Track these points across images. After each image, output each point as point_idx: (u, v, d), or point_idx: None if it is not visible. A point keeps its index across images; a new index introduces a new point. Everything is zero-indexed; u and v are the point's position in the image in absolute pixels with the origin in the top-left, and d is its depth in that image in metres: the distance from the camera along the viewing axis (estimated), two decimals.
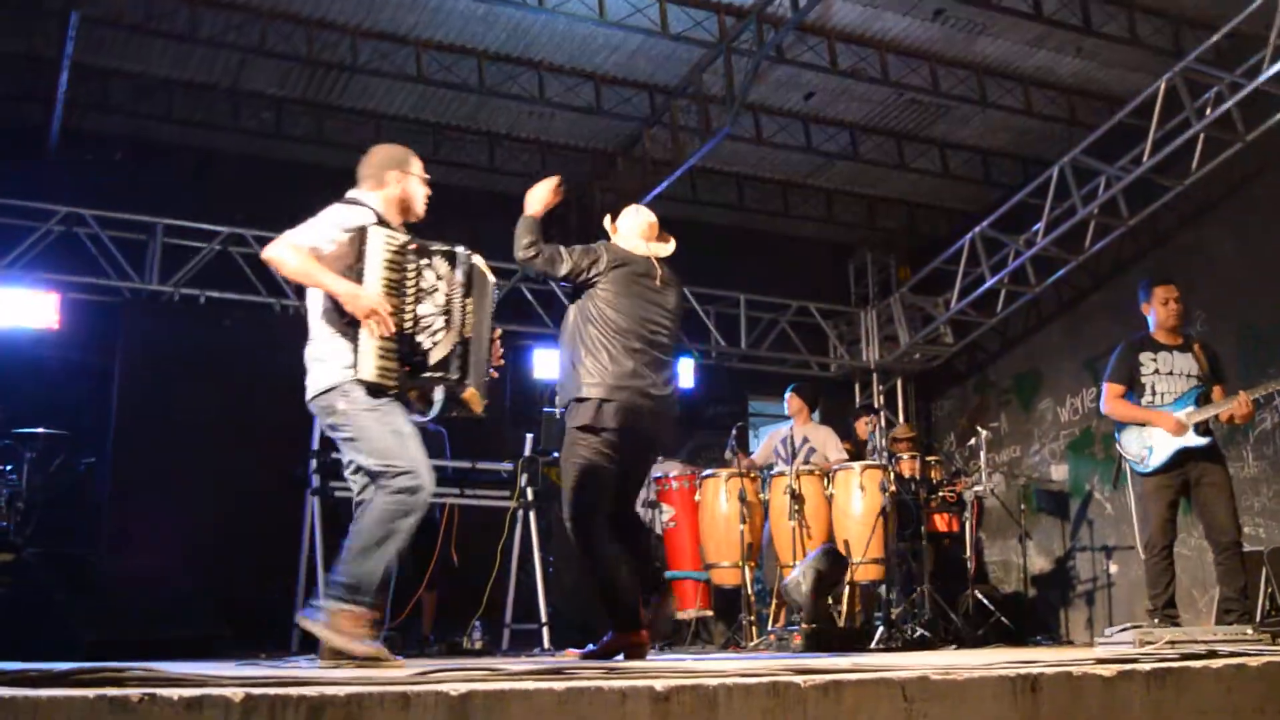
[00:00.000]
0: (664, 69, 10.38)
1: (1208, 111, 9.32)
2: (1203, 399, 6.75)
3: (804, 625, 7.25)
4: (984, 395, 12.89)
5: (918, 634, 8.24)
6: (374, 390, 4.37)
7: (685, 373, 11.73)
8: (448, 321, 4.49)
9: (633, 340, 5.55)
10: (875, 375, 13.15)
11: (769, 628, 8.10)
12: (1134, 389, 6.93)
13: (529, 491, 8.41)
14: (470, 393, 4.58)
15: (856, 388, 13.33)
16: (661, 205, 11.13)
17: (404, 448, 4.36)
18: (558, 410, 5.49)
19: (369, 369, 4.35)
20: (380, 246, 4.44)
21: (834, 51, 10.04)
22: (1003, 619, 8.80)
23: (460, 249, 4.61)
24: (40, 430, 8.30)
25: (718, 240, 12.29)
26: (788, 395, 9.66)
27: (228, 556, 8.73)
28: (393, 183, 4.76)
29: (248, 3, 9.27)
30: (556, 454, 9.27)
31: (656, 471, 9.55)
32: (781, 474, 8.55)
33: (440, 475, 8.05)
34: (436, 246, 4.57)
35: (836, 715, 2.90)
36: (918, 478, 9.09)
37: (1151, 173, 9.91)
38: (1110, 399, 7.01)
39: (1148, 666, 3.43)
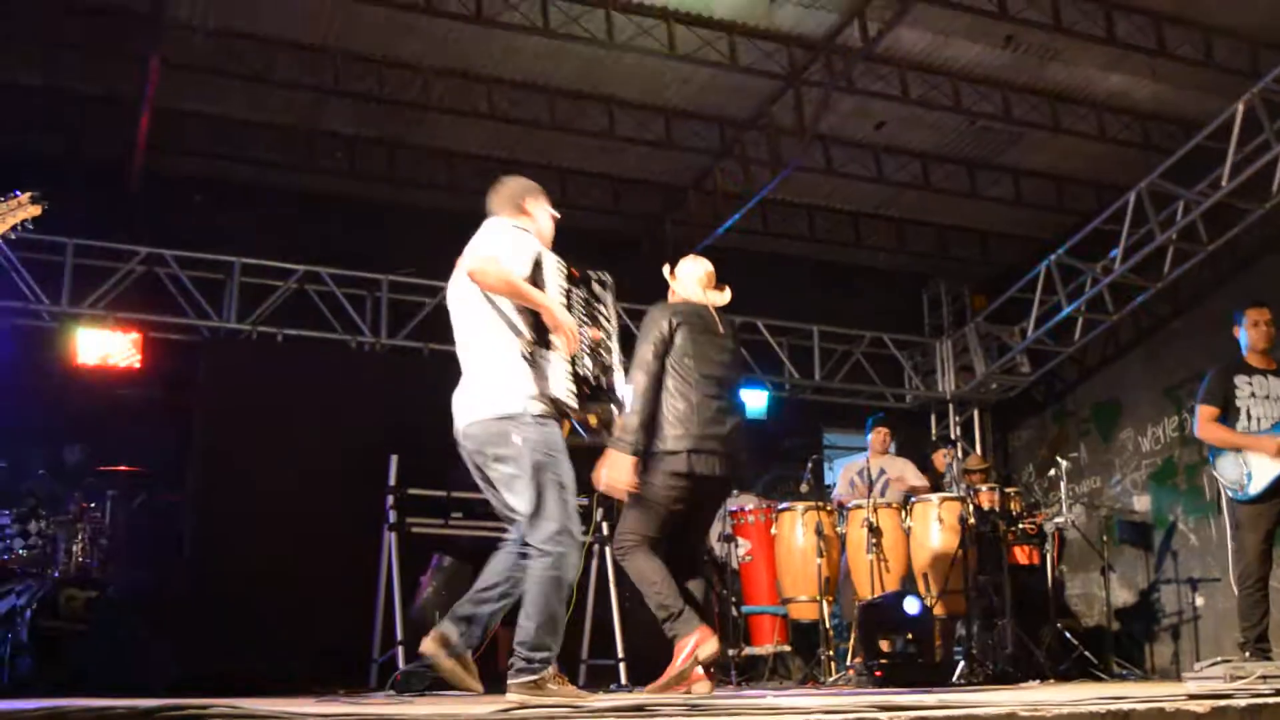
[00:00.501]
0: (734, 101, 10.39)
1: None
2: None
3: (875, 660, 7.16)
4: (1062, 425, 12.71)
5: (999, 668, 8.10)
6: (549, 417, 4.38)
7: (758, 404, 11.68)
8: (606, 343, 4.63)
9: (710, 387, 5.62)
10: (951, 406, 13.02)
11: (847, 662, 8.00)
12: (1228, 413, 6.80)
13: (604, 526, 8.38)
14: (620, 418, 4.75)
15: (932, 419, 13.20)
16: (733, 238, 11.16)
17: (563, 505, 4.34)
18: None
19: (561, 388, 4.36)
20: (554, 270, 4.54)
21: (905, 80, 9.99)
22: (1086, 653, 8.62)
23: (607, 275, 4.76)
24: (123, 468, 8.40)
25: (790, 272, 12.25)
26: (875, 427, 9.60)
27: (306, 593, 8.77)
28: (535, 211, 4.87)
29: (322, 44, 9.42)
30: None
31: (732, 505, 9.50)
32: (859, 507, 8.47)
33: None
34: (589, 273, 4.72)
35: None
36: (997, 509, 8.95)
37: (1231, 196, 9.74)
38: (1204, 422, 6.87)
39: (1243, 703, 3.34)
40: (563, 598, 4.28)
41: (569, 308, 4.49)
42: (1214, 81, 9.93)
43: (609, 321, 4.66)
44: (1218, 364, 7.08)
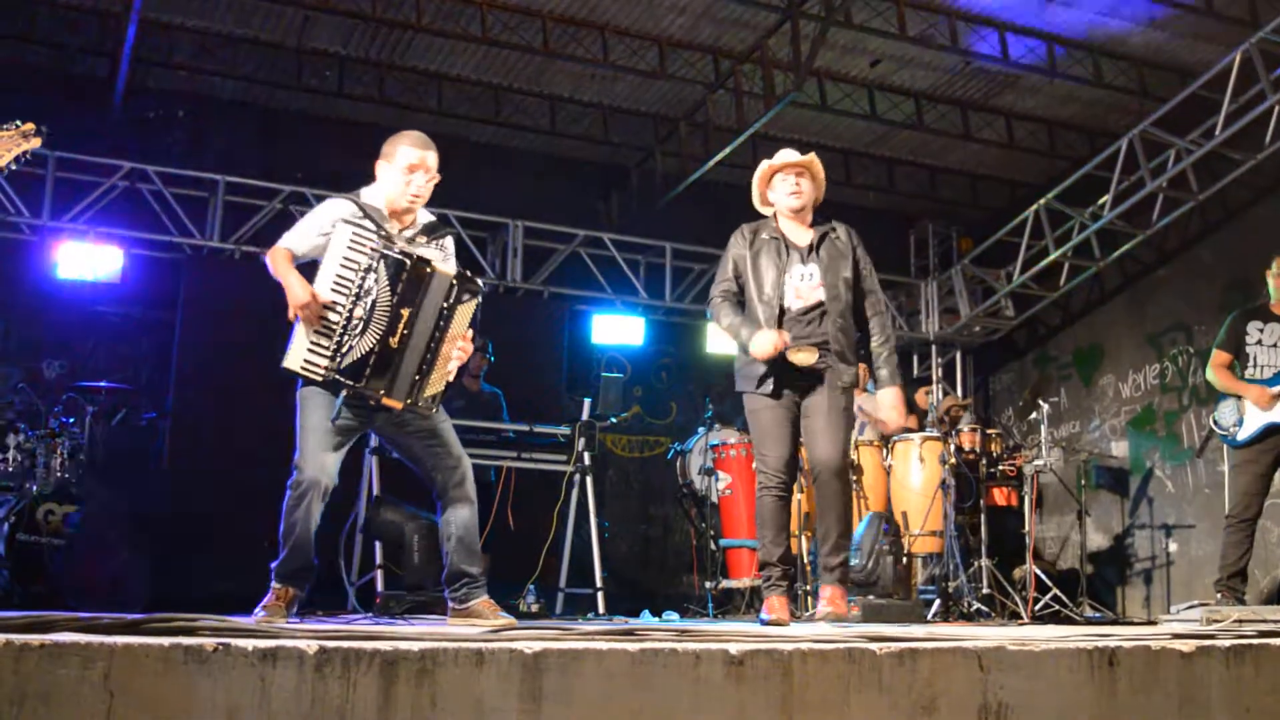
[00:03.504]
0: (729, 33, 10.27)
1: None
2: None
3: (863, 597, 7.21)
4: (1044, 369, 12.74)
5: (974, 608, 8.18)
6: (306, 379, 4.65)
7: None
8: (364, 327, 4.57)
9: None
10: (934, 347, 13.03)
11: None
12: (1239, 359, 6.94)
13: (585, 456, 8.38)
14: (389, 400, 4.65)
15: (915, 359, 13.21)
16: (723, 171, 11.08)
17: (303, 443, 4.67)
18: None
19: (292, 359, 4.62)
20: (342, 242, 4.63)
21: (903, 17, 9.88)
22: (1059, 594, 8.70)
23: (413, 255, 4.64)
24: (103, 384, 8.36)
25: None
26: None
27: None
28: (380, 175, 4.89)
29: None
30: (614, 418, 9.34)
31: (714, 439, 9.52)
32: None
33: (497, 438, 8.16)
34: (393, 250, 4.62)
35: (912, 683, 2.87)
36: (977, 450, 8.99)
37: (1223, 146, 9.71)
38: (1215, 366, 7.09)
39: (1226, 643, 3.37)
40: (287, 527, 4.68)
41: (351, 281, 4.57)
42: (1213, 30, 9.86)
43: (391, 305, 4.58)
44: (1209, 313, 7.16)
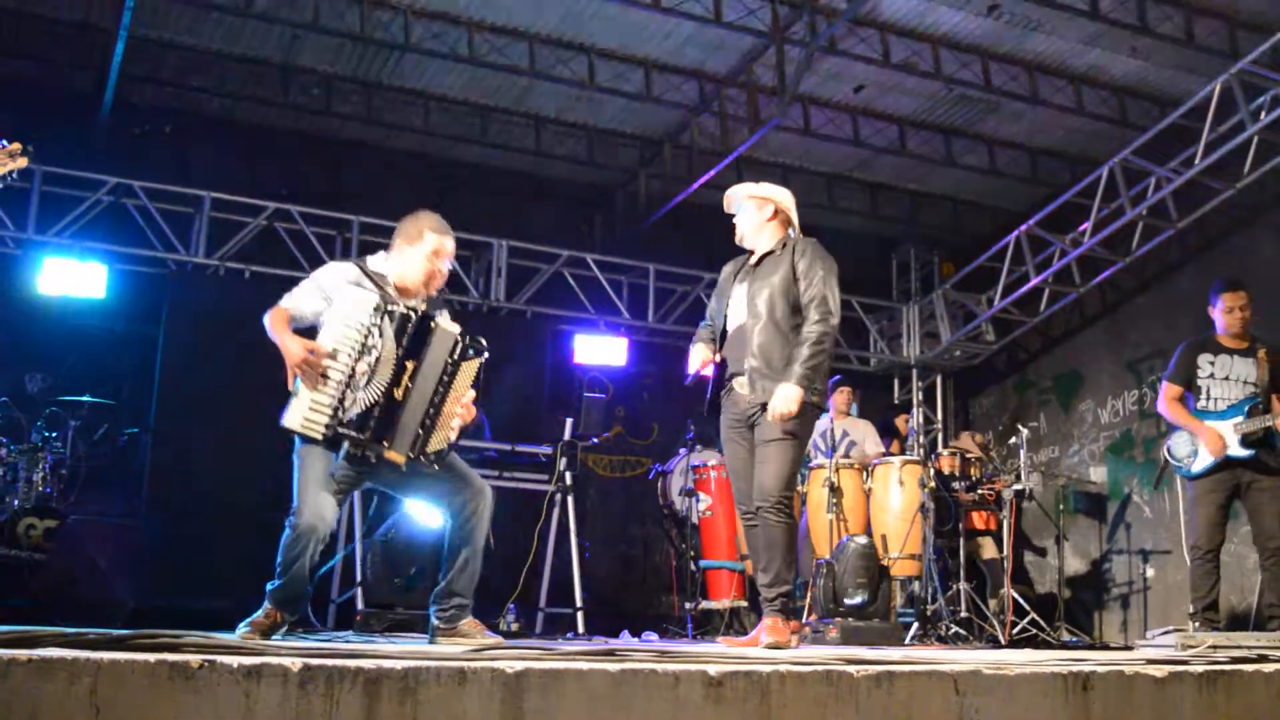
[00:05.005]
0: (715, 57, 10.35)
1: (1262, 115, 9.21)
2: (1256, 409, 6.71)
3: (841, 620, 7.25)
4: (1024, 394, 12.82)
5: (952, 631, 8.22)
6: (305, 440, 4.67)
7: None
8: (369, 380, 4.61)
9: None
10: (915, 371, 13.09)
11: (804, 619, 8.08)
12: (1191, 391, 6.93)
13: (567, 476, 8.41)
14: (392, 454, 4.67)
15: (895, 383, 13.28)
16: (706, 194, 11.13)
17: (301, 494, 4.63)
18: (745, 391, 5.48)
19: (292, 418, 4.65)
20: (346, 302, 4.70)
21: (886, 44, 9.98)
22: (1036, 619, 8.76)
23: (419, 310, 4.73)
24: (85, 399, 8.36)
25: None
26: (839, 387, 9.64)
27: (265, 531, 8.75)
28: (399, 251, 4.93)
29: None
30: (596, 438, 9.37)
31: (695, 460, 9.56)
32: (820, 466, 8.53)
33: (479, 458, 8.18)
34: (396, 307, 4.69)
35: (888, 705, 2.90)
36: (957, 474, 9.05)
37: (1202, 175, 9.80)
38: (1165, 399, 7.03)
39: (1199, 668, 3.41)
40: (287, 560, 4.63)
41: (355, 340, 4.61)
42: (1193, 60, 9.98)
43: (396, 358, 4.64)
44: (1187, 339, 7.17)
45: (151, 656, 2.37)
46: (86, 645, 2.51)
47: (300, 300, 4.81)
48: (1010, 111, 11.06)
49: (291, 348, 4.62)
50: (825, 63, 10.21)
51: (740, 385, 5.44)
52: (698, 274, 11.60)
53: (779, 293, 5.42)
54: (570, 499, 8.48)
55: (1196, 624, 6.61)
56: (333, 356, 4.61)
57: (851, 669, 2.90)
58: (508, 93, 10.84)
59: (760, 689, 2.78)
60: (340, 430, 4.59)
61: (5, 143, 4.49)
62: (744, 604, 9.21)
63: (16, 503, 7.38)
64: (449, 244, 4.93)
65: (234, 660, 2.40)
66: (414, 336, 4.66)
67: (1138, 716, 3.26)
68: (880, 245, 13.49)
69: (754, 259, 5.63)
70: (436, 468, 4.78)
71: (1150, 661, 3.53)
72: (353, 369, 4.60)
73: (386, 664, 2.50)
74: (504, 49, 9.97)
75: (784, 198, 5.67)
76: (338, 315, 4.68)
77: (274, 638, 4.61)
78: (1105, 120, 10.92)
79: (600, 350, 11.55)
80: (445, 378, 4.74)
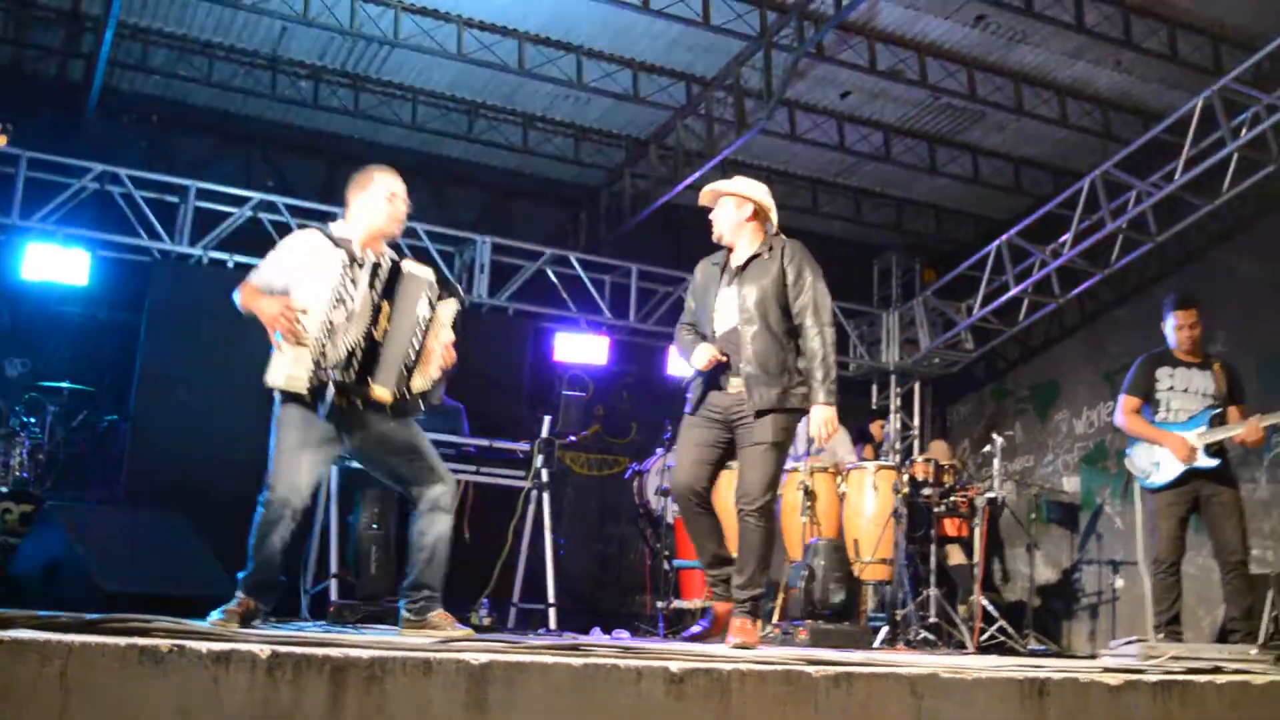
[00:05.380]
0: (702, 60, 10.40)
1: (1243, 132, 9.31)
2: (1217, 420, 6.78)
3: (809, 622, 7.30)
4: (1000, 403, 12.91)
5: (921, 636, 8.29)
6: (285, 396, 4.76)
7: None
8: (348, 322, 4.70)
9: None
10: (894, 377, 13.17)
11: (773, 621, 8.13)
12: (1150, 404, 6.98)
13: (544, 473, 8.44)
14: (378, 392, 4.77)
15: (874, 389, 13.35)
16: (691, 196, 11.15)
17: (277, 464, 4.75)
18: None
19: (274, 375, 4.75)
20: (315, 262, 4.80)
21: (874, 51, 10.04)
22: (1005, 626, 8.82)
23: (383, 259, 4.86)
24: (65, 385, 8.38)
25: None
26: None
27: (241, 520, 8.77)
28: (357, 204, 5.02)
29: None
30: (573, 437, 9.41)
31: (671, 460, 9.59)
32: (795, 469, 8.58)
33: (456, 453, 8.21)
34: (365, 257, 4.81)
35: (846, 706, 2.96)
36: (930, 481, 9.11)
37: (1183, 190, 9.90)
38: (1124, 412, 7.08)
39: (1154, 678, 3.48)
40: (258, 542, 4.80)
41: (330, 294, 4.71)
42: (1177, 76, 10.08)
43: (372, 300, 4.76)
44: (1144, 352, 7.24)
45: (122, 640, 2.41)
46: (58, 628, 2.56)
47: (268, 273, 4.89)
48: (995, 121, 11.13)
49: (267, 306, 4.71)
50: (813, 68, 10.28)
51: (733, 386, 5.46)
52: (680, 275, 11.64)
53: (771, 297, 5.42)
54: (546, 496, 8.49)
55: (1160, 636, 6.67)
56: (308, 312, 4.70)
57: (811, 669, 2.96)
58: (495, 90, 10.87)
59: (721, 687, 2.84)
60: (324, 375, 4.66)
61: None
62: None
63: None
64: (400, 184, 5.06)
65: (203, 645, 2.45)
66: (386, 282, 4.80)
67: None
68: (862, 251, 13.57)
69: (739, 261, 5.59)
70: (422, 408, 4.93)
71: (1107, 670, 3.60)
72: (330, 320, 4.69)
73: (353, 653, 2.55)
74: (493, 46, 9.99)
75: (763, 196, 5.66)
76: (309, 277, 4.76)
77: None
78: (1088, 133, 11.01)
79: (581, 349, 11.60)
80: (423, 319, 4.89)
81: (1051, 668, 3.61)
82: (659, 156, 11.70)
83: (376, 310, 4.74)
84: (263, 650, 2.47)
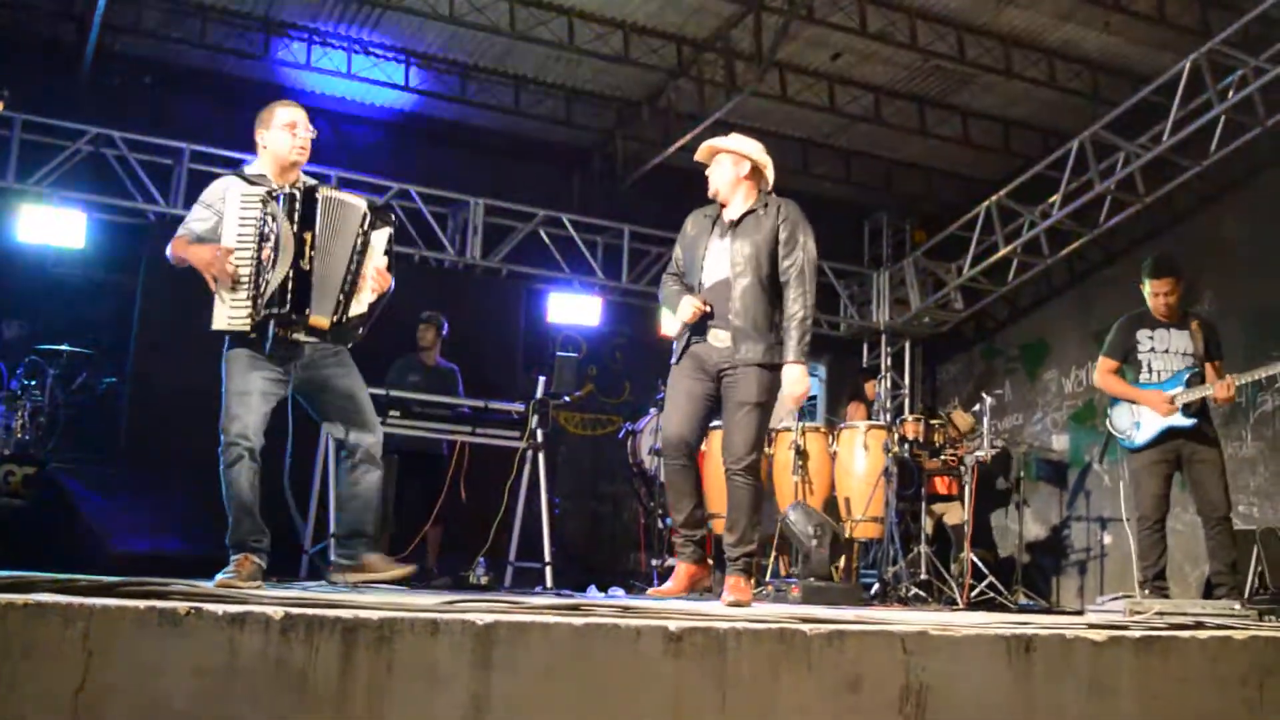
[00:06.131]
0: (694, 21, 10.42)
1: (1230, 94, 9.36)
2: (1195, 379, 6.88)
3: (808, 579, 7.41)
4: (990, 362, 13.01)
5: (912, 593, 8.41)
6: (232, 340, 4.95)
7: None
8: (274, 255, 4.85)
9: None
10: (884, 337, 13.25)
11: (767, 578, 8.26)
12: (1130, 365, 7.08)
13: (539, 433, 8.52)
14: (315, 319, 4.97)
15: (865, 348, 13.43)
16: (682, 157, 11.22)
17: (227, 407, 5.00)
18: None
19: (218, 320, 4.93)
20: (234, 205, 4.94)
21: (864, 13, 10.08)
22: (995, 582, 8.95)
23: (297, 188, 4.98)
24: (64, 348, 8.44)
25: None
26: None
27: None
28: (259, 142, 5.19)
29: None
30: (568, 396, 9.50)
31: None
32: (787, 429, 8.68)
33: (452, 413, 8.30)
34: (280, 190, 4.95)
35: (839, 663, 3.05)
36: (921, 440, 9.22)
37: (1170, 152, 9.96)
38: (1102, 373, 7.18)
39: (1137, 634, 3.57)
40: (227, 496, 5.02)
41: (254, 232, 4.88)
42: (1165, 38, 10.12)
43: (294, 231, 4.89)
44: (1123, 314, 7.32)
45: (141, 603, 2.49)
46: (79, 591, 2.64)
47: (193, 223, 5.04)
48: (984, 83, 11.17)
49: (199, 254, 4.90)
50: (803, 30, 10.29)
51: (718, 339, 5.52)
52: (672, 235, 11.44)
53: (764, 253, 5.46)
54: (541, 456, 8.59)
55: (1146, 592, 6.79)
56: (237, 252, 4.87)
57: (805, 628, 3.05)
58: (488, 51, 10.88)
59: (718, 644, 2.93)
60: (263, 312, 4.84)
61: None
62: (709, 562, 9.35)
63: None
64: (300, 114, 5.21)
65: (219, 608, 2.53)
66: (303, 210, 4.92)
67: (1076, 677, 3.43)
68: (853, 211, 13.62)
69: (733, 215, 5.62)
70: (361, 333, 5.16)
71: (1091, 626, 3.70)
72: (258, 257, 4.85)
73: (363, 614, 2.63)
74: (484, 8, 9.99)
75: (760, 154, 5.69)
76: (231, 219, 4.93)
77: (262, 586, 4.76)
78: (1077, 94, 11.05)
79: (574, 309, 11.67)
80: (357, 245, 5.07)
81: (1038, 624, 3.71)
82: (651, 118, 11.73)
83: (300, 241, 4.88)
84: (276, 612, 2.55)
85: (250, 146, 5.12)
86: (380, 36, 10.70)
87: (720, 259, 5.56)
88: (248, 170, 5.18)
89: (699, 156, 5.78)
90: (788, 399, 5.46)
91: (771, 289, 5.47)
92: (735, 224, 5.58)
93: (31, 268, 9.75)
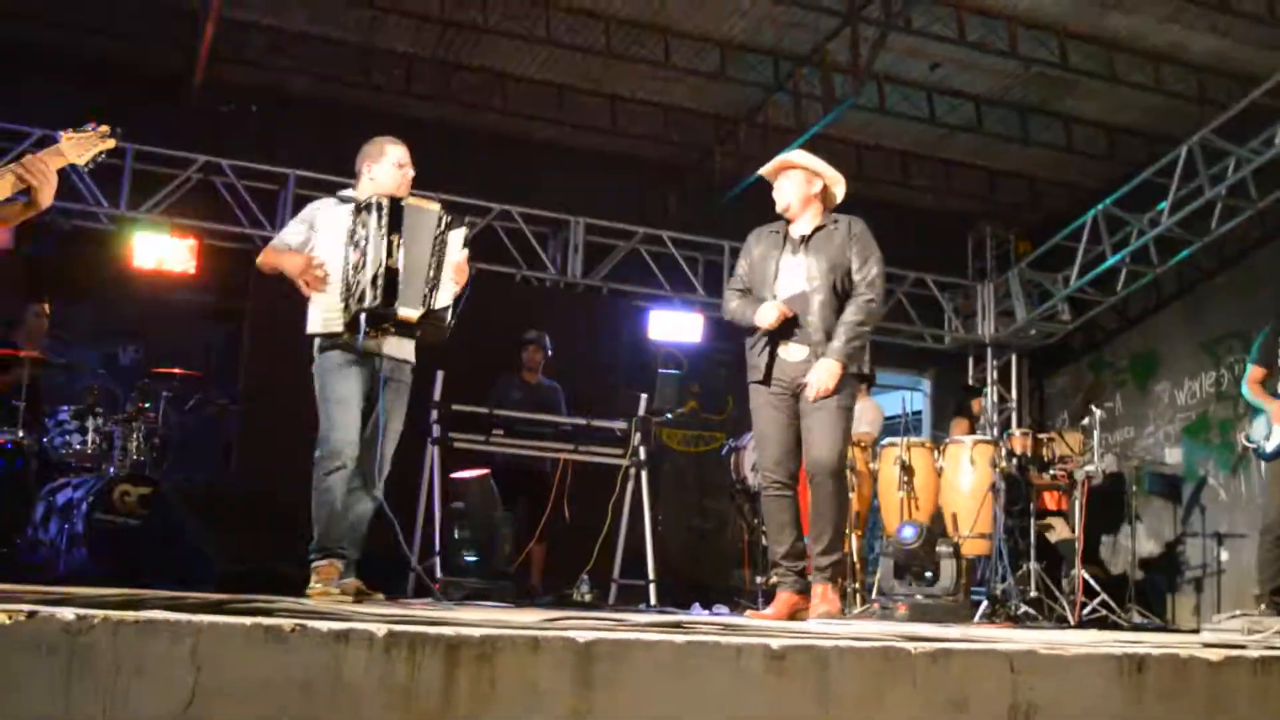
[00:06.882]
0: (789, 36, 10.40)
1: None
2: None
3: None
4: (1099, 374, 12.77)
5: (1022, 610, 8.26)
6: (324, 344, 5.23)
7: None
8: (364, 257, 5.12)
9: None
10: (990, 350, 13.07)
11: (873, 596, 8.17)
12: (1273, 373, 6.94)
13: (641, 451, 8.51)
14: (404, 313, 5.20)
15: (970, 362, 13.26)
16: None
17: (326, 415, 5.21)
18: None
19: (313, 324, 5.28)
20: (325, 220, 5.32)
21: (963, 22, 9.97)
22: (1108, 600, 8.77)
23: (383, 200, 5.20)
24: (177, 370, 8.60)
25: (837, 210, 12.27)
26: None
27: None
28: (364, 173, 5.50)
29: None
30: (670, 415, 9.49)
31: None
32: (892, 444, 8.59)
33: (555, 431, 8.33)
34: (369, 199, 5.21)
35: (944, 683, 3.00)
36: (1029, 455, 9.07)
37: None
38: (1248, 382, 7.07)
39: (1255, 654, 3.47)
40: (320, 503, 5.21)
41: (345, 242, 5.18)
42: (1275, 38, 9.87)
43: (383, 234, 5.14)
44: (1270, 320, 7.15)
45: (248, 620, 2.53)
46: (187, 608, 2.69)
47: (286, 236, 5.44)
48: (1087, 89, 10.99)
49: (290, 262, 5.25)
50: (900, 41, 10.21)
51: (796, 354, 5.52)
52: None
53: (839, 269, 5.54)
54: (644, 473, 8.57)
55: (1263, 606, 6.61)
56: (327, 262, 5.20)
57: (909, 646, 3.01)
58: (584, 72, 10.96)
59: (820, 663, 2.89)
60: (355, 307, 5.09)
61: (96, 125, 4.74)
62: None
63: (113, 470, 7.62)
64: (407, 154, 5.55)
65: (324, 625, 2.56)
66: (391, 217, 5.17)
67: (1191, 699, 3.33)
68: (955, 223, 13.44)
69: (803, 231, 5.68)
70: (447, 325, 5.40)
71: (1206, 645, 3.59)
72: (348, 261, 5.15)
73: (465, 631, 2.65)
74: (581, 30, 10.08)
75: (833, 174, 5.76)
76: (324, 232, 5.28)
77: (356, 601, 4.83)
78: (1184, 99, 10.83)
79: (675, 326, 11.67)
80: (436, 245, 5.32)
81: (1151, 643, 3.62)
82: (748, 133, 11.71)
83: (389, 243, 5.12)
84: (380, 629, 2.57)
85: (351, 174, 5.26)
86: (478, 59, 10.80)
87: (795, 274, 5.61)
88: (344, 195, 5.48)
89: (765, 171, 5.82)
90: (808, 386, 5.45)
91: (844, 303, 5.54)
92: (806, 240, 5.60)
93: (148, 294, 10.00)
